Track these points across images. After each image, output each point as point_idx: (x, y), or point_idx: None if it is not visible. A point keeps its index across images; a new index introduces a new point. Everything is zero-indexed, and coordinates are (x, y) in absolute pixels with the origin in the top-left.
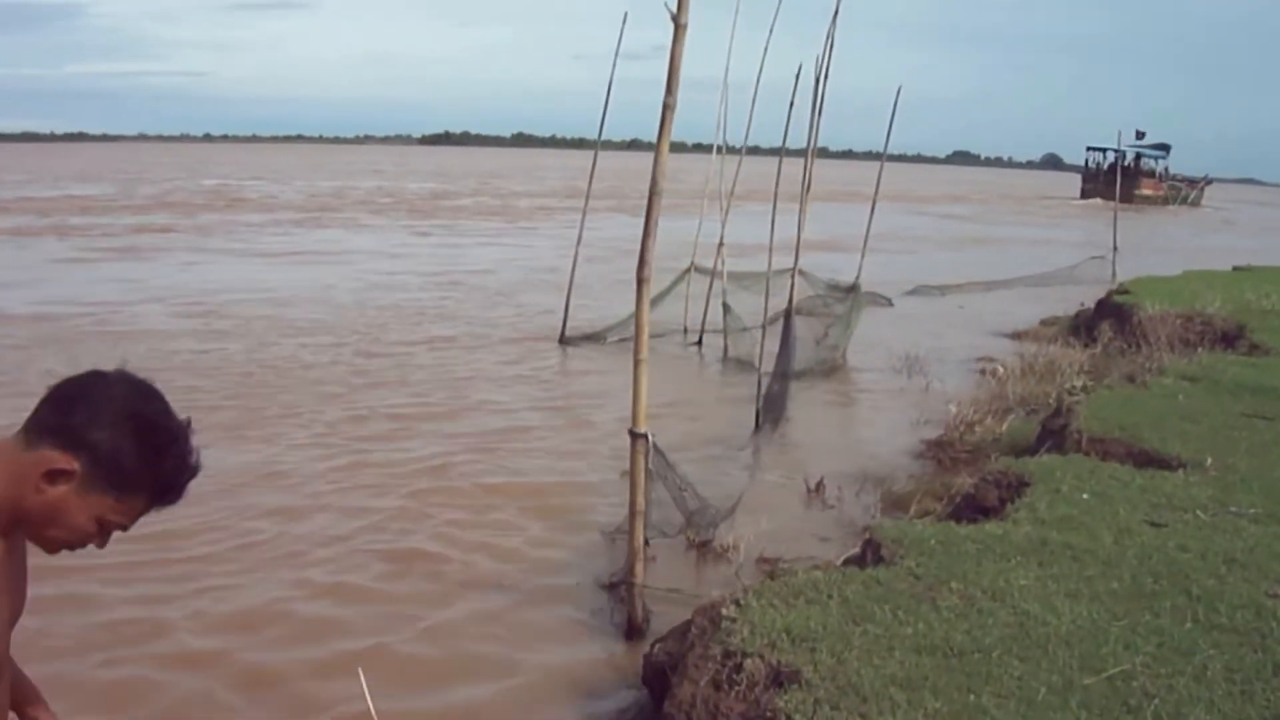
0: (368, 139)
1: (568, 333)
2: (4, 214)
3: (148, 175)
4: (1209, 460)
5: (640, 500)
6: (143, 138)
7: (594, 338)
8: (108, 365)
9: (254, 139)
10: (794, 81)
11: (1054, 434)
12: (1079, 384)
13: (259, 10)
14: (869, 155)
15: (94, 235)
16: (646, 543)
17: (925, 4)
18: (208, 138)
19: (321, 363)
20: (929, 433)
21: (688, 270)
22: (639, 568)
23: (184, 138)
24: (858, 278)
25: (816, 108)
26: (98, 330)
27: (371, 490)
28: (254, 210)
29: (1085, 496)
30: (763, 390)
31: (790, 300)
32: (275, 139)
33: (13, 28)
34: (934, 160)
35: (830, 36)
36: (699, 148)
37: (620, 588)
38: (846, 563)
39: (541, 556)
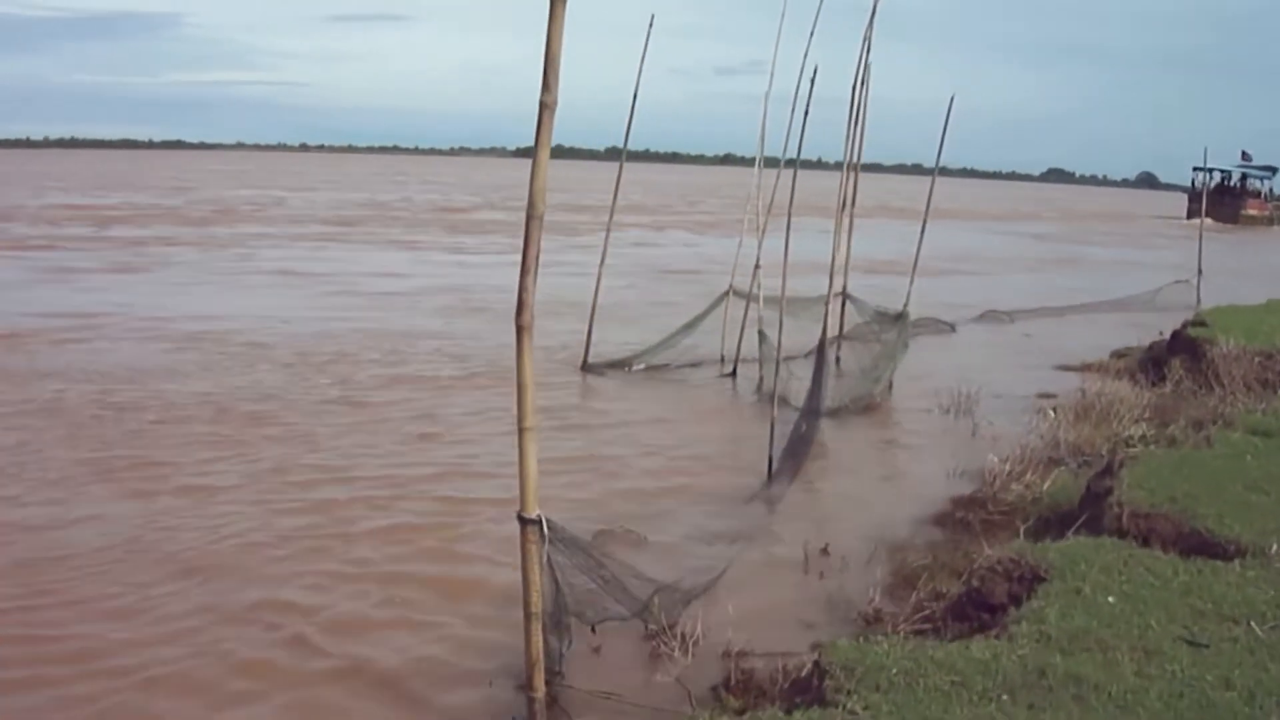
0: (463, 150)
1: (590, 359)
2: None
3: (198, 186)
4: (1275, 546)
5: (535, 599)
6: (240, 146)
7: (619, 365)
8: None
9: (350, 149)
10: (853, 92)
11: (1098, 498)
12: (1137, 433)
13: (358, 22)
14: (962, 172)
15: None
16: (577, 638)
17: (1020, 20)
18: (304, 147)
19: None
20: (964, 487)
21: (725, 294)
22: (538, 679)
23: (280, 147)
24: (905, 305)
25: (855, 118)
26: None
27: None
28: (275, 224)
29: (1110, 600)
30: (780, 432)
31: (824, 330)
32: (371, 149)
33: (115, 35)
34: (1028, 178)
35: (867, 40)
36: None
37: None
38: (792, 686)
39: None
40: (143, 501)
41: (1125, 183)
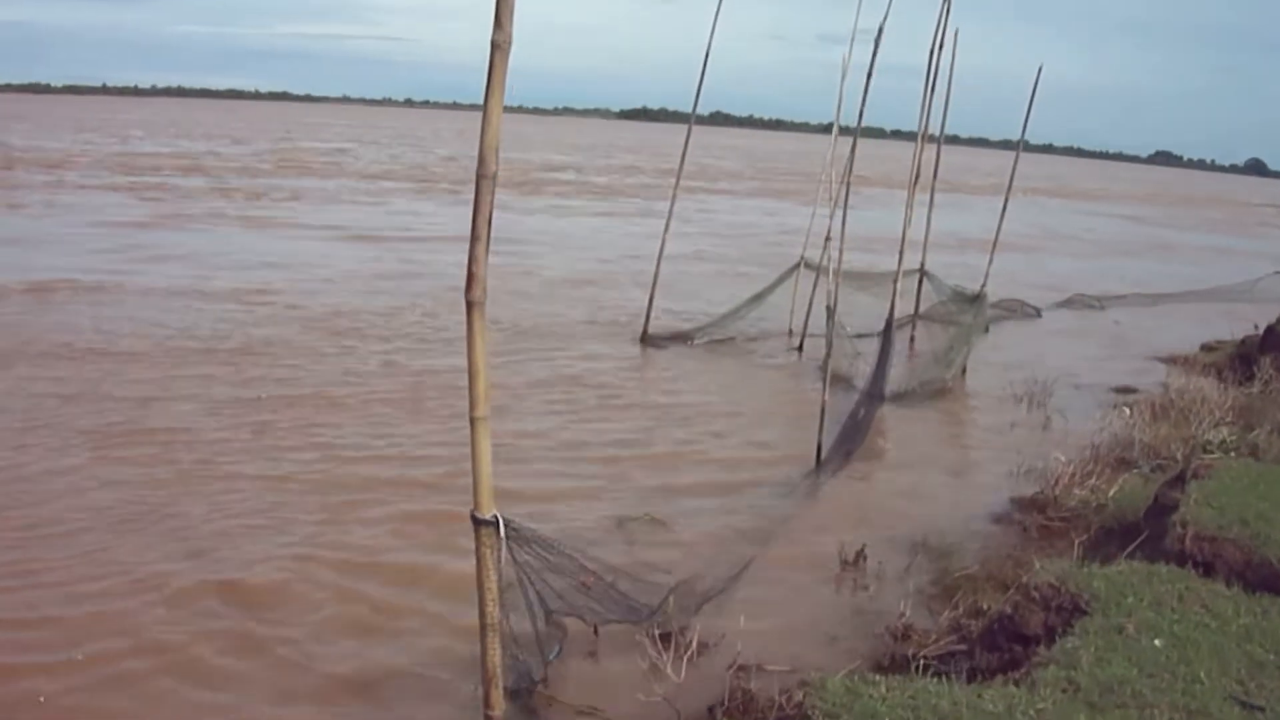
0: (567, 110)
1: (651, 330)
2: None
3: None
4: None
5: (491, 609)
6: (345, 100)
7: (681, 337)
8: None
9: (455, 106)
10: (930, 58)
11: (1164, 511)
12: (1217, 438)
13: None
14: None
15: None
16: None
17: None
18: (409, 103)
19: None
20: (1027, 486)
21: (796, 266)
22: (495, 697)
23: (386, 102)
24: (983, 286)
25: (931, 86)
26: None
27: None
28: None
29: (1157, 644)
30: (836, 417)
31: (891, 309)
32: (475, 106)
33: None
34: (1135, 159)
35: (946, 4)
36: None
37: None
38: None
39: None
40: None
41: (1233, 168)
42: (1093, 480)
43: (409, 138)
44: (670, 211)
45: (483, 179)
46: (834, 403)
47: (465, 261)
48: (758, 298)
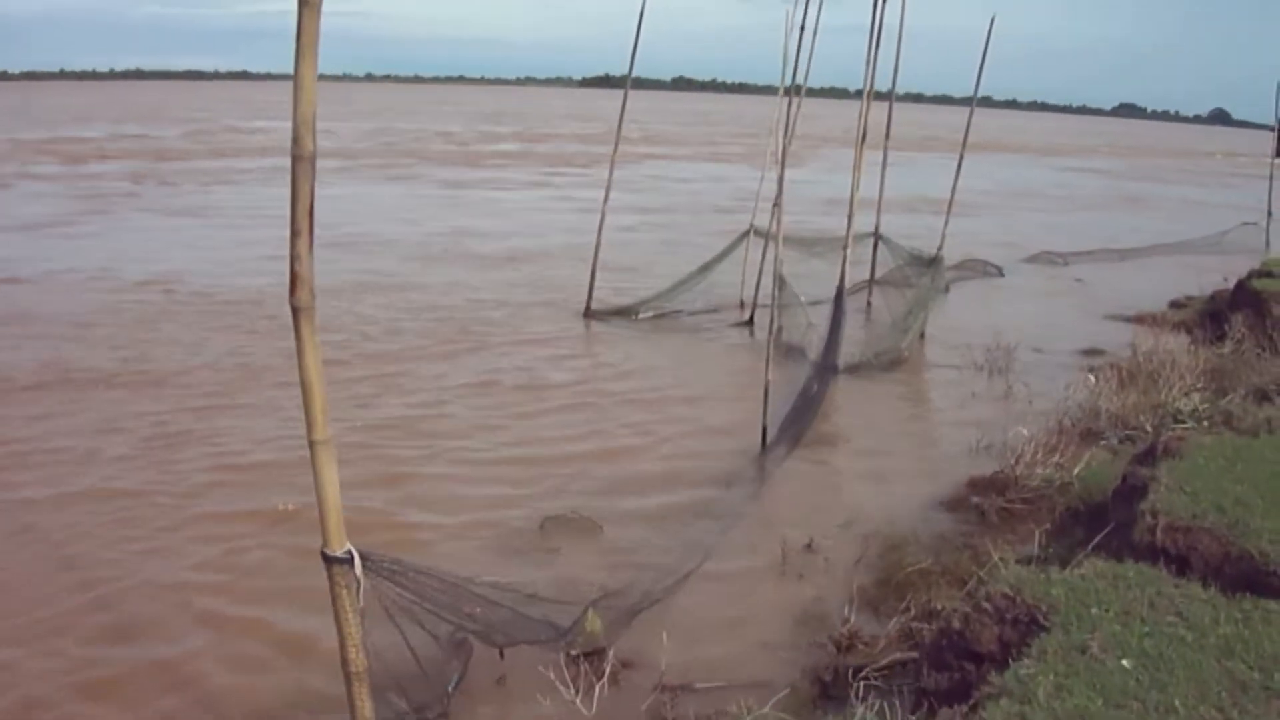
0: (529, 80)
1: (595, 305)
2: None
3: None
4: None
5: (355, 658)
6: None
7: (625, 312)
8: None
9: (416, 79)
10: (874, 11)
11: (1133, 493)
12: (1188, 406)
13: None
14: (1033, 105)
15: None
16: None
17: None
18: (369, 77)
19: None
20: (987, 464)
21: (745, 234)
22: None
23: (346, 77)
24: (939, 249)
25: (875, 41)
26: None
27: None
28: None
29: (1125, 665)
30: (787, 392)
31: (841, 276)
32: (437, 80)
33: None
34: (1099, 112)
35: None
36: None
37: None
38: None
39: None
40: None
41: (1197, 119)
42: (1057, 456)
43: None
44: (609, 180)
45: (298, 161)
46: (785, 377)
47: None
48: (705, 268)
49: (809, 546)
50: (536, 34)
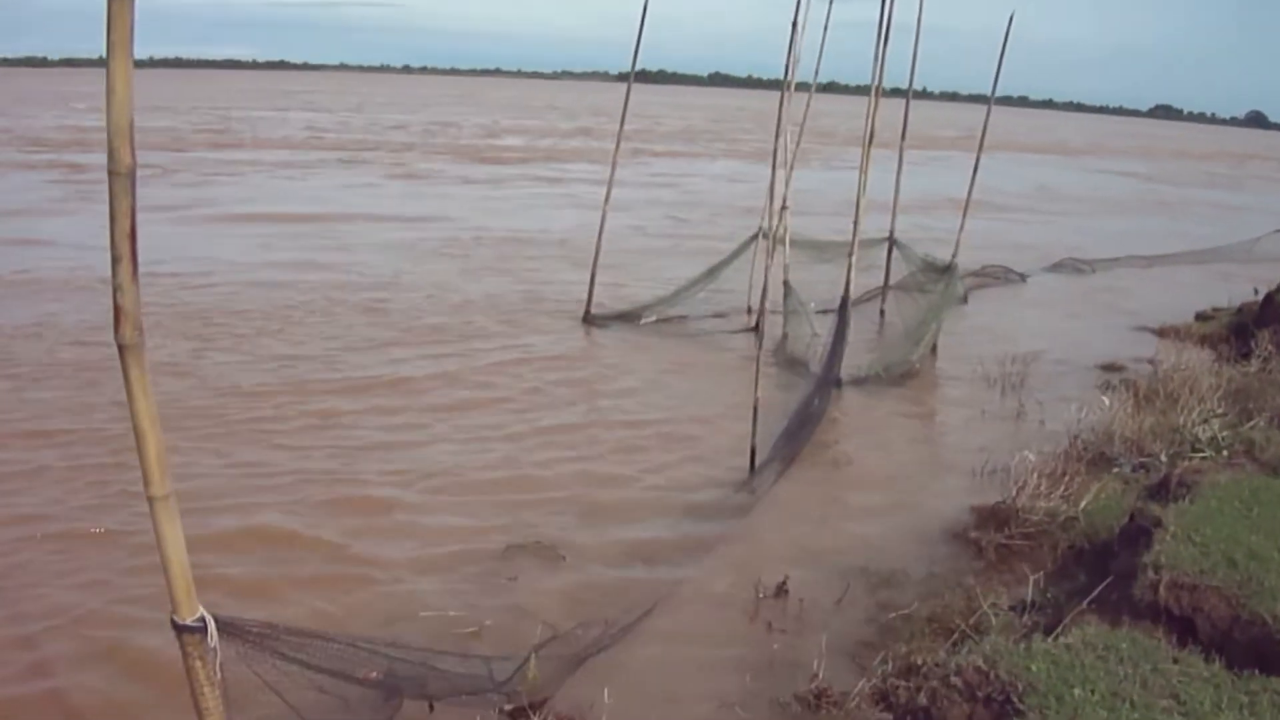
0: (565, 74)
1: (596, 309)
2: None
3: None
4: None
5: None
6: (343, 68)
7: (628, 317)
8: None
9: (453, 72)
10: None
11: (1139, 536)
12: (1207, 434)
13: None
14: (1069, 105)
15: None
16: None
17: None
18: (406, 69)
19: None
20: (990, 491)
21: (754, 237)
22: None
23: (383, 69)
24: (954, 256)
25: (884, 35)
26: None
27: None
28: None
29: None
30: (785, 407)
31: (846, 284)
32: (474, 72)
33: None
34: (1135, 113)
35: None
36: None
37: None
38: None
39: None
40: None
41: (1234, 121)
42: (1063, 486)
43: (369, 104)
44: (610, 179)
45: (115, 176)
46: (787, 390)
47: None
48: (712, 272)
49: (784, 586)
50: (573, 28)
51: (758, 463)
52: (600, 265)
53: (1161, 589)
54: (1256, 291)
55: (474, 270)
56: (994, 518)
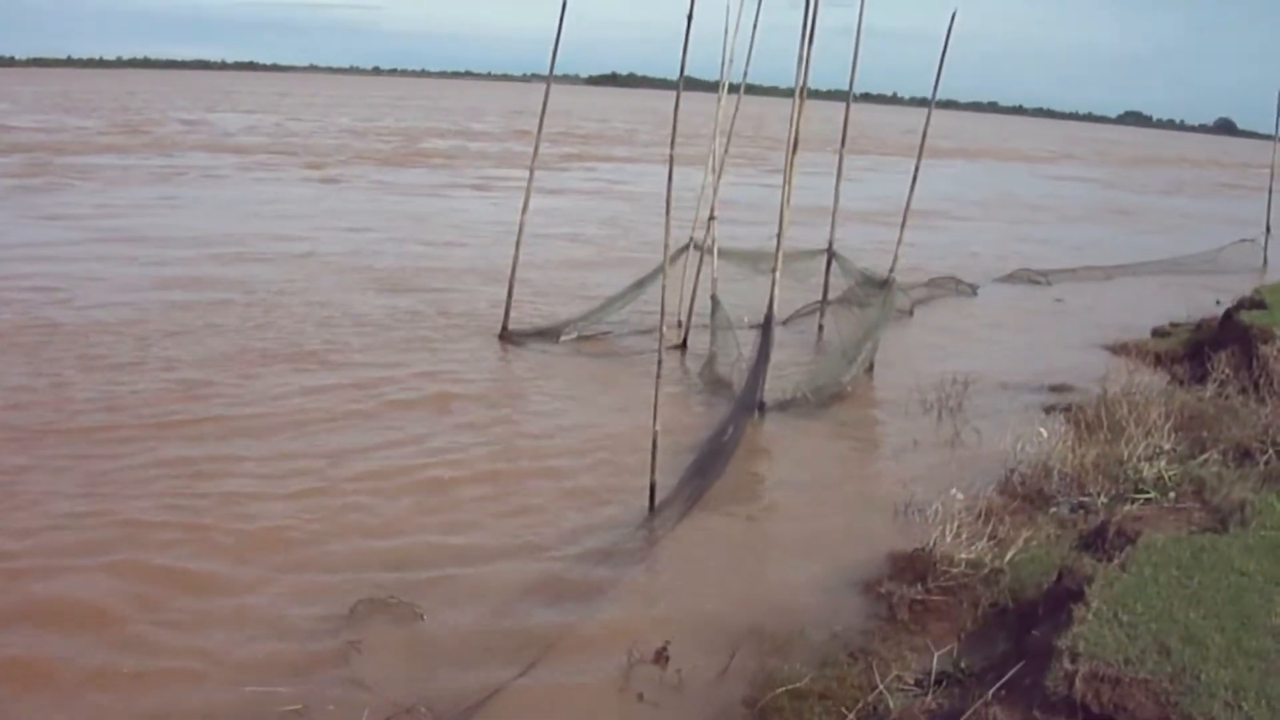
0: (534, 77)
1: (513, 326)
2: None
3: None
4: None
5: None
6: (313, 69)
7: (547, 334)
8: None
9: (423, 74)
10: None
11: (1069, 600)
12: (1153, 472)
13: None
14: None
15: None
16: None
17: None
18: (376, 71)
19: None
20: (912, 534)
21: (685, 248)
22: None
23: (353, 70)
24: (891, 271)
25: (808, 36)
26: None
27: None
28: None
29: None
30: (696, 436)
31: (770, 302)
32: (444, 74)
33: None
34: (1104, 120)
35: None
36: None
37: None
38: None
39: None
40: None
41: (1203, 128)
42: (991, 529)
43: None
44: (529, 186)
45: None
46: (705, 416)
47: None
48: (639, 285)
49: (664, 652)
50: (541, 32)
51: (658, 501)
52: (525, 278)
53: (1078, 681)
54: (1219, 303)
55: (379, 283)
56: (912, 567)
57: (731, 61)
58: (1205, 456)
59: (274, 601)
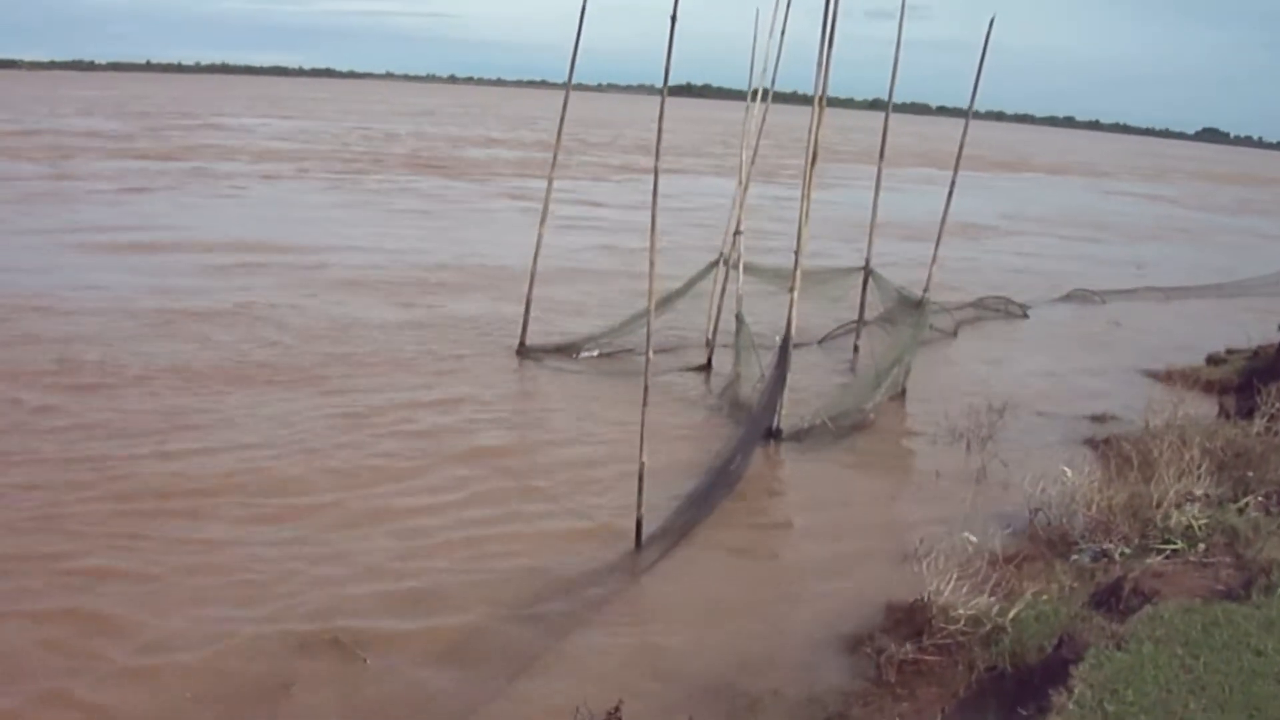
0: (610, 87)
1: (534, 341)
2: None
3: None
4: None
5: None
6: (390, 76)
7: (566, 349)
8: None
9: (499, 83)
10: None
11: (1067, 670)
12: (1181, 522)
13: None
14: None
15: None
16: None
17: None
18: (453, 79)
19: None
20: (911, 586)
21: (714, 264)
22: None
23: (429, 78)
24: (925, 291)
25: (828, 39)
26: None
27: None
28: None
29: None
30: (701, 461)
31: (788, 323)
32: (520, 84)
33: None
34: (1181, 136)
35: None
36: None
37: None
38: None
39: None
40: None
41: None
42: (995, 585)
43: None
44: (547, 196)
45: None
46: (721, 442)
47: None
48: (665, 301)
49: (615, 714)
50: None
51: (645, 537)
52: (551, 292)
53: None
54: None
55: (397, 297)
56: (909, 621)
57: (765, 70)
58: (1244, 502)
59: (213, 635)
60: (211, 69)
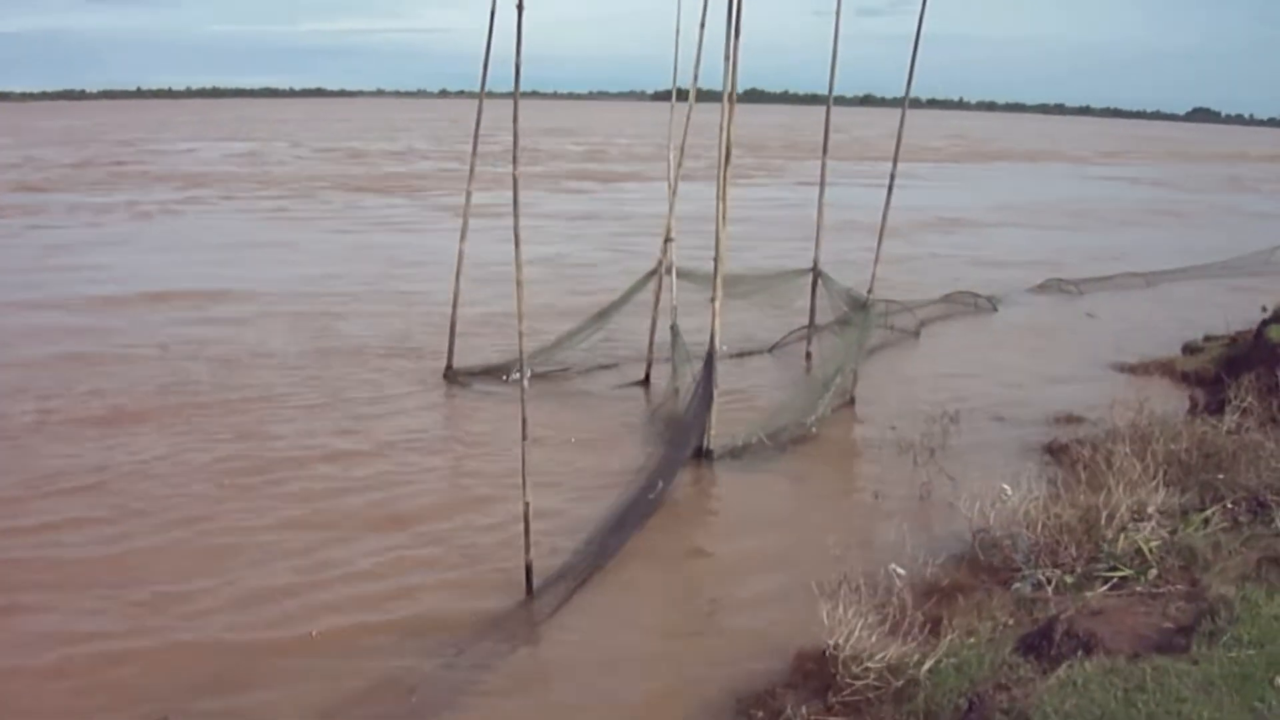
0: (601, 94)
1: (462, 365)
2: None
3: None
4: None
5: None
6: (380, 93)
7: (495, 372)
8: None
9: (489, 95)
10: None
11: None
12: (1129, 544)
13: None
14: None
15: None
16: None
17: None
18: (443, 94)
19: None
20: (826, 629)
21: (652, 273)
22: None
23: (420, 93)
24: (869, 292)
25: (734, 30)
26: None
27: None
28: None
29: None
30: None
31: (712, 333)
32: (508, 95)
33: None
34: (1172, 117)
35: None
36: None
37: None
38: None
39: None
40: None
41: (1272, 122)
42: (916, 626)
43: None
44: (466, 209)
45: None
46: (645, 467)
47: None
48: (603, 315)
49: None
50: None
51: (544, 580)
52: (486, 310)
53: None
54: (1264, 311)
55: (309, 324)
56: (819, 672)
57: (690, 69)
58: (1210, 512)
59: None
60: (202, 93)
